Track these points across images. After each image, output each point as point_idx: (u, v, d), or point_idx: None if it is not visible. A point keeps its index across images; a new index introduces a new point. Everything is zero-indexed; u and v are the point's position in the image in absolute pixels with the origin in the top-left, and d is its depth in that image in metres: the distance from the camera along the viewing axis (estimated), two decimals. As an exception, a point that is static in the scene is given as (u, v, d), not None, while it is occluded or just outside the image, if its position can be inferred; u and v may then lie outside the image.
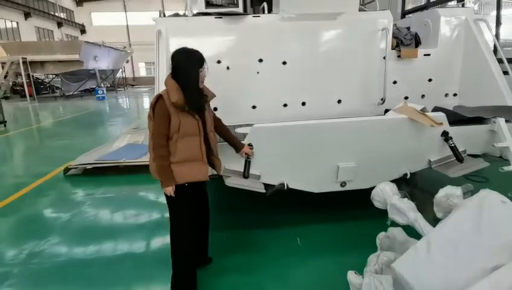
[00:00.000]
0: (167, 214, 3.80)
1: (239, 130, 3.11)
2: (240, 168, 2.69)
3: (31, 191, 4.67)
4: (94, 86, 23.45)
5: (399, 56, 3.62)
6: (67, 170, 5.30)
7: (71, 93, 23.55)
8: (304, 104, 3.62)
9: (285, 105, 3.59)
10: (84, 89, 24.92)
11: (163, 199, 4.37)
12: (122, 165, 5.18)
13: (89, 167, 5.25)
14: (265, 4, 3.52)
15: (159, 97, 2.08)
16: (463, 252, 1.34)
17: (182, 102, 2.05)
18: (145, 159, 4.94)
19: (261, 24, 3.44)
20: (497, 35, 5.58)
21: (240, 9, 3.72)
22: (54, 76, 25.17)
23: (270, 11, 3.56)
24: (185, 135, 2.09)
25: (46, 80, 26.99)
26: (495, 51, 4.14)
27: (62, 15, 34.30)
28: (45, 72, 22.59)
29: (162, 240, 3.12)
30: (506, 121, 2.96)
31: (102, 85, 24.06)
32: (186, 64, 2.11)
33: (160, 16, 3.34)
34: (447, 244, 1.39)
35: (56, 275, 2.72)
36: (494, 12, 5.72)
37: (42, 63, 20.60)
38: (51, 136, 9.39)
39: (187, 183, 2.16)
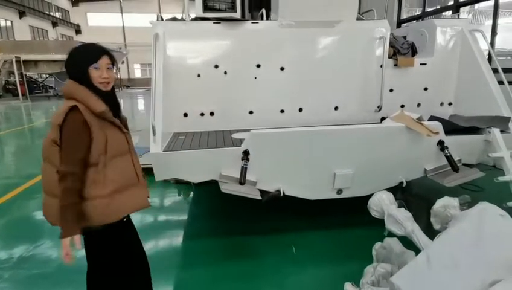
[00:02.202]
0: (160, 217, 3.81)
1: (236, 136, 3.09)
2: (236, 174, 2.66)
3: (22, 193, 4.57)
4: (88, 87, 23.23)
5: (396, 65, 3.64)
6: (59, 172, 5.21)
7: (65, 93, 23.34)
8: (301, 110, 3.61)
9: (282, 111, 3.58)
10: (78, 89, 24.70)
11: (157, 202, 4.36)
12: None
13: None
14: (263, 10, 3.52)
15: (72, 109, 1.50)
16: (463, 267, 1.33)
17: (108, 110, 1.59)
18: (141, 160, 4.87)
19: (259, 30, 3.44)
20: (492, 45, 5.67)
21: (238, 14, 3.72)
22: (47, 75, 24.93)
23: (268, 17, 3.56)
24: (114, 156, 1.61)
25: (40, 80, 26.71)
26: (490, 60, 4.19)
27: (57, 15, 34.06)
28: (39, 71, 22.40)
29: (155, 245, 3.08)
30: (501, 131, 3.00)
31: (97, 86, 23.84)
32: (78, 63, 1.61)
33: (157, 19, 3.31)
34: (447, 258, 1.38)
35: (48, 279, 2.66)
36: (488, 22, 5.81)
37: (36, 62, 20.42)
38: (44, 136, 9.23)
39: (125, 218, 1.70)
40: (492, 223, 1.42)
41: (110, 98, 1.64)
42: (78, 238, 1.50)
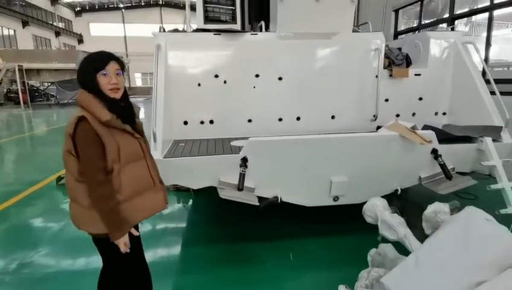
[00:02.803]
0: (161, 225, 3.85)
1: (234, 143, 3.16)
2: (235, 180, 2.72)
3: (22, 200, 4.62)
4: (89, 95, 23.46)
5: (391, 75, 3.75)
6: (60, 178, 5.26)
7: (66, 101, 23.53)
8: (298, 119, 3.69)
9: (280, 119, 3.66)
10: (79, 97, 24.95)
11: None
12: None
13: (82, 176, 5.22)
14: (263, 23, 3.63)
15: (80, 120, 1.52)
16: (450, 268, 1.39)
17: (115, 118, 1.60)
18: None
19: (258, 41, 3.54)
20: (486, 57, 5.81)
21: (239, 26, 3.84)
22: (49, 84, 25.17)
23: (267, 29, 3.67)
24: (128, 162, 1.63)
25: (41, 88, 26.95)
26: (483, 72, 4.30)
27: (60, 24, 34.59)
28: (41, 79, 22.64)
29: (154, 253, 3.10)
30: (494, 140, 3.07)
31: (98, 94, 24.06)
32: (86, 72, 1.62)
33: (160, 31, 3.42)
34: (435, 260, 1.43)
35: (47, 285, 2.69)
36: (485, 34, 5.94)
37: (38, 70, 20.64)
38: (45, 144, 9.32)
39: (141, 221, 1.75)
40: (478, 226, 1.48)
41: (118, 105, 1.63)
42: (127, 239, 1.60)
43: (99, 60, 1.60)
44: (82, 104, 1.57)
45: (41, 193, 4.91)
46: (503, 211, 2.82)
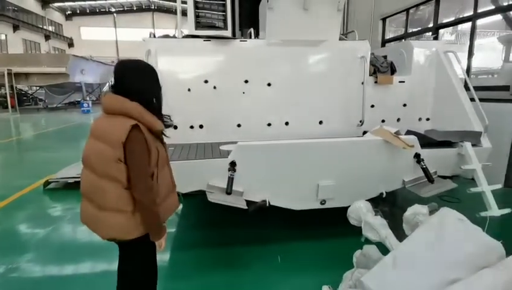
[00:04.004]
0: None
1: (223, 148, 3.21)
2: (223, 184, 2.76)
3: (8, 205, 4.56)
4: (79, 99, 23.26)
5: (376, 82, 3.87)
6: (47, 183, 5.21)
7: (55, 105, 23.23)
8: (287, 124, 3.77)
9: (269, 124, 3.73)
10: (69, 101, 24.68)
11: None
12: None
13: (70, 180, 5.18)
14: (252, 30, 3.72)
15: (134, 128, 1.58)
16: (424, 266, 1.45)
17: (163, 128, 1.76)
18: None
19: (248, 48, 3.62)
20: (469, 65, 6.01)
21: (229, 32, 3.91)
22: (37, 88, 24.84)
23: (257, 36, 3.75)
24: (162, 167, 1.77)
25: (30, 92, 26.56)
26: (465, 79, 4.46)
27: (51, 28, 34.26)
28: (29, 83, 22.29)
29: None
30: (473, 145, 3.19)
31: (88, 98, 23.88)
32: (152, 81, 1.77)
33: (150, 36, 3.47)
34: (410, 258, 1.50)
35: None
36: (474, 42, 6.13)
37: (27, 74, 20.36)
38: (32, 148, 9.19)
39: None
40: (451, 226, 1.56)
41: (161, 116, 1.78)
42: (166, 237, 1.77)
43: (157, 75, 1.76)
44: (129, 112, 1.61)
45: (27, 198, 4.85)
46: (483, 214, 2.93)
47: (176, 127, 3.50)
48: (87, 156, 1.66)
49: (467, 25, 6.31)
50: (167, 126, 1.84)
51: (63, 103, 24.14)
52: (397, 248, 1.65)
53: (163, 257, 3.21)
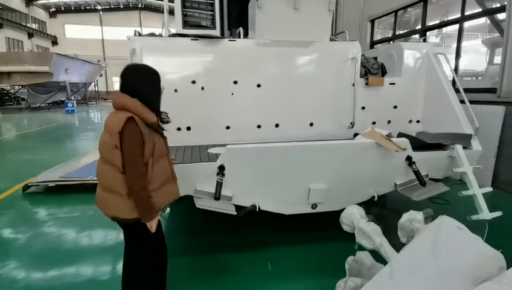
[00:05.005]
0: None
1: (211, 151, 3.10)
2: (211, 189, 2.66)
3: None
4: (64, 99, 22.66)
5: (367, 84, 3.82)
6: (26, 187, 4.98)
7: (38, 105, 22.55)
8: (277, 126, 3.68)
9: (258, 126, 3.64)
10: (53, 101, 24.01)
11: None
12: (90, 183, 4.95)
13: (51, 184, 4.97)
14: (241, 29, 3.62)
15: (129, 120, 1.81)
16: (421, 277, 1.39)
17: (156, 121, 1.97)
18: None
19: (236, 48, 3.52)
20: (456, 67, 6.07)
21: (217, 31, 3.80)
22: (20, 87, 24.08)
23: (246, 35, 3.65)
24: (158, 158, 1.96)
25: (12, 91, 25.72)
26: (454, 81, 4.48)
27: (34, 26, 33.26)
28: (11, 82, 21.55)
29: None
30: (464, 147, 3.18)
31: (73, 98, 23.29)
32: (149, 80, 2.01)
33: (135, 35, 3.33)
34: (407, 269, 1.44)
35: None
36: (455, 44, 6.21)
37: (9, 73, 19.69)
38: (12, 150, 8.83)
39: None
40: (449, 235, 1.50)
41: (159, 112, 2.02)
42: (156, 221, 1.95)
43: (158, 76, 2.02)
44: (126, 106, 1.86)
45: (6, 203, 4.62)
46: (474, 217, 2.91)
47: (162, 129, 3.38)
48: (99, 145, 1.91)
49: (452, 28, 6.39)
50: (165, 122, 2.08)
51: (47, 103, 23.43)
52: (394, 259, 1.58)
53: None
